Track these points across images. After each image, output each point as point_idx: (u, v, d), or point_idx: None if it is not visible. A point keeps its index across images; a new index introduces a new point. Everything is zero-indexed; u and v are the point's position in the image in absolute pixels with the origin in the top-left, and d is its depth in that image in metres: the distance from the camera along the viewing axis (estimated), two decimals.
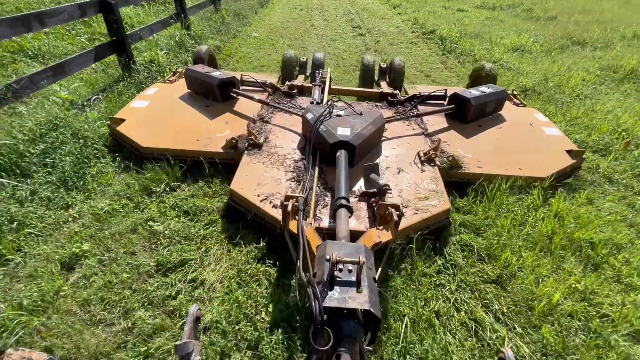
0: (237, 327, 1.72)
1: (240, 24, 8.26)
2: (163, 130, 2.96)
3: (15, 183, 2.47)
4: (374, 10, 11.05)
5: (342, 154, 2.32)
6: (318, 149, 2.55)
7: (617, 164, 3.17)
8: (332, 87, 3.93)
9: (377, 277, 1.50)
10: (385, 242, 1.86)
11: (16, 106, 3.17)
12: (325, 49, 6.75)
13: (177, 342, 1.21)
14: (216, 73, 3.38)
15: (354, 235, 1.92)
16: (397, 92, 3.89)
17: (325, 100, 3.36)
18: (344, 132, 2.47)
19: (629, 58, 5.96)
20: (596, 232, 2.37)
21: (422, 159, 2.70)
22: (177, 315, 1.79)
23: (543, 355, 1.69)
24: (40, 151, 2.71)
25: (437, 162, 2.67)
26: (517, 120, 3.40)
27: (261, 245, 2.15)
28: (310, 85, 3.84)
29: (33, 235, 2.20)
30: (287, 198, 1.94)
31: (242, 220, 2.33)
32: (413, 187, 2.43)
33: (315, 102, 3.36)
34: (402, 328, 1.74)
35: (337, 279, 1.31)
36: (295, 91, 3.71)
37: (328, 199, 2.28)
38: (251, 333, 1.70)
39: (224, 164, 2.78)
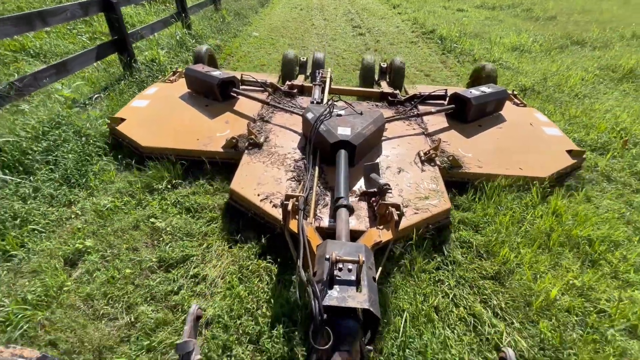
0: (238, 322, 1.75)
1: (241, 23, 8.29)
2: (163, 130, 2.97)
3: (18, 180, 2.49)
4: (374, 10, 11.07)
5: (342, 154, 2.33)
6: (318, 149, 2.55)
7: (615, 162, 3.20)
8: (332, 86, 3.93)
9: (377, 276, 1.51)
10: (386, 241, 1.87)
11: (19, 104, 3.19)
12: (325, 49, 6.76)
13: (178, 341, 1.23)
14: (216, 72, 3.39)
15: (354, 235, 1.93)
16: (397, 91, 3.90)
17: (325, 100, 3.37)
18: (344, 131, 2.48)
19: (628, 58, 5.97)
20: (594, 229, 2.39)
21: (423, 158, 2.71)
22: (180, 310, 1.81)
23: (541, 350, 1.71)
24: (43, 149, 2.74)
25: (438, 162, 2.68)
26: (517, 120, 3.41)
27: (262, 242, 2.17)
28: (311, 84, 3.84)
29: (36, 231, 2.22)
30: (288, 197, 1.95)
31: (243, 217, 2.35)
32: (413, 187, 2.43)
33: (315, 102, 3.36)
34: (401, 323, 1.76)
35: (337, 278, 1.31)
36: (295, 91, 3.71)
37: (328, 199, 2.29)
38: (252, 327, 1.72)
39: (224, 163, 2.79)
